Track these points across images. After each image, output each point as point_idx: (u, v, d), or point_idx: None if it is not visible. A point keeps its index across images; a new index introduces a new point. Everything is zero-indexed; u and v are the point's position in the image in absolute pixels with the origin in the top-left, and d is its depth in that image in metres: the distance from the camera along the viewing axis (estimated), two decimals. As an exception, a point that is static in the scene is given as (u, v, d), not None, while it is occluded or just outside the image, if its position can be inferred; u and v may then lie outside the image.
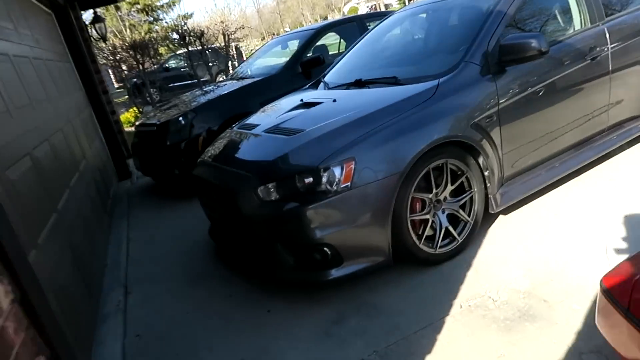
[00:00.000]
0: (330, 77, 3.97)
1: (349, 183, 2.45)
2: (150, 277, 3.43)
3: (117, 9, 22.46)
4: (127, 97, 13.80)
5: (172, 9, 25.47)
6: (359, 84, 3.38)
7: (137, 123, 5.87)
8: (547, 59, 2.96)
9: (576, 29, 3.37)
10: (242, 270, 3.16)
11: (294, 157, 2.66)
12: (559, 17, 3.43)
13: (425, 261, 2.74)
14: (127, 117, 11.34)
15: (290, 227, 2.53)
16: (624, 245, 2.59)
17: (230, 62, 13.88)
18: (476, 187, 2.84)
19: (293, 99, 3.68)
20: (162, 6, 25.06)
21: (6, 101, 2.58)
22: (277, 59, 6.18)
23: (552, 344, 2.00)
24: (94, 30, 8.35)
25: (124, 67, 11.45)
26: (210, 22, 14.57)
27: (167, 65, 16.10)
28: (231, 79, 6.17)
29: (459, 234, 2.81)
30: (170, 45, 15.46)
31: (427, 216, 2.71)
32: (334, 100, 3.20)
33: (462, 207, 2.83)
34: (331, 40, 6.46)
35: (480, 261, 2.73)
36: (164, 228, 4.34)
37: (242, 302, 2.82)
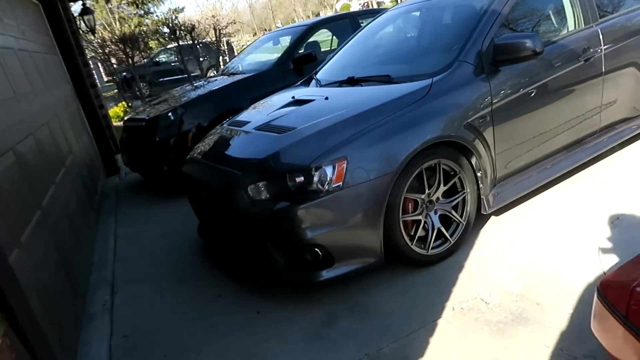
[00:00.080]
0: (322, 74, 3.92)
1: (340, 183, 2.41)
2: (137, 276, 3.37)
3: (107, 1, 22.18)
4: (116, 91, 13.64)
5: (163, 3, 25.35)
6: (351, 81, 3.34)
7: (125, 118, 5.78)
8: (541, 59, 2.94)
9: (570, 29, 3.36)
10: (231, 270, 3.11)
11: (285, 156, 2.61)
12: (552, 17, 3.41)
13: (417, 262, 2.71)
14: (116, 112, 11.20)
15: (280, 226, 2.49)
16: (616, 247, 2.58)
17: (221, 57, 13.75)
18: (469, 188, 2.82)
19: (284, 96, 3.63)
20: (153, -1, 24.81)
21: (-11, 95, 2.50)
22: (269, 55, 6.11)
23: (546, 348, 1.99)
24: (82, 23, 8.21)
25: (114, 61, 11.29)
26: (201, 16, 14.43)
27: (157, 59, 15.93)
28: (222, 75, 6.10)
29: (451, 235, 2.78)
30: (161, 39, 15.28)
31: (420, 217, 2.68)
32: (326, 98, 3.16)
33: (455, 208, 2.81)
34: (323, 37, 6.41)
35: (472, 262, 2.70)
36: (153, 225, 4.27)
37: (231, 303, 2.77)
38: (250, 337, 2.43)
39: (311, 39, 5.92)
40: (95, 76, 16.16)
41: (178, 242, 3.78)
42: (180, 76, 13.09)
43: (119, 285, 3.28)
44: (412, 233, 2.68)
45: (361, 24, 5.92)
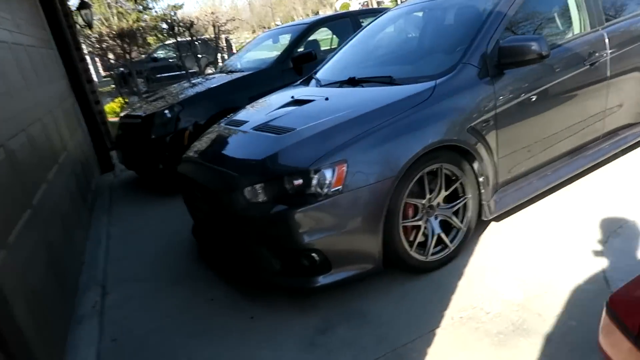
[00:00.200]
0: (322, 74, 3.85)
1: (340, 186, 2.34)
2: (129, 277, 3.30)
3: (106, -5, 22.04)
4: (113, 86, 13.53)
5: (163, -2, 25.08)
6: (352, 82, 3.27)
7: (121, 114, 5.70)
8: (547, 63, 2.88)
9: (575, 33, 3.30)
10: (225, 273, 3.04)
11: (284, 158, 2.55)
12: (558, 20, 3.35)
13: (416, 269, 2.65)
14: (113, 107, 11.09)
15: (277, 230, 2.42)
16: (619, 256, 2.52)
17: (219, 55, 13.65)
18: (470, 194, 2.76)
19: (283, 96, 3.56)
20: (153, -5, 24.66)
21: (-22, 89, 2.42)
22: (268, 53, 6.04)
23: (548, 362, 1.93)
24: (80, 17, 8.11)
25: (111, 56, 11.18)
26: (200, 12, 14.33)
27: (155, 55, 15.81)
28: (220, 72, 6.02)
29: (451, 241, 2.72)
30: (159, 35, 15.17)
31: (420, 222, 2.62)
32: (326, 99, 3.09)
33: (455, 213, 2.75)
34: (323, 35, 6.34)
35: (472, 270, 2.64)
36: (146, 224, 4.20)
37: (225, 307, 2.70)
38: (244, 344, 2.36)
39: (311, 38, 5.86)
40: (93, 71, 16.05)
41: (172, 242, 3.70)
42: (178, 73, 12.99)
43: (110, 286, 3.21)
44: (411, 239, 2.61)
45: (362, 24, 5.86)
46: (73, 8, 7.89)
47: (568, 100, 3.15)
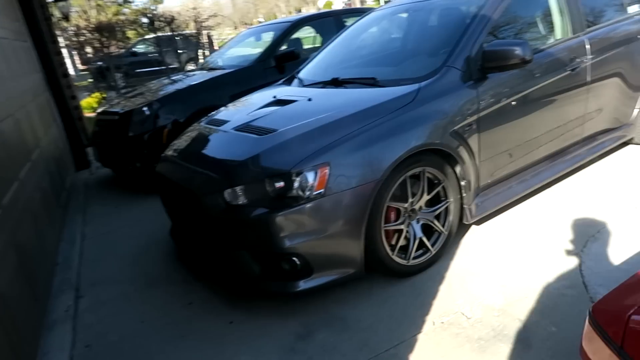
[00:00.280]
0: (305, 73, 3.80)
1: (322, 189, 2.31)
2: (104, 279, 3.20)
3: (84, -12, 21.53)
4: (91, 80, 13.24)
5: (143, -8, 24.65)
6: (335, 83, 3.23)
7: (98, 111, 5.56)
8: (530, 67, 2.89)
9: (557, 38, 3.32)
10: (204, 276, 2.98)
11: (265, 159, 2.50)
12: (541, 25, 3.36)
13: (397, 273, 2.63)
14: (90, 102, 10.86)
15: (257, 234, 2.37)
16: (597, 261, 2.54)
17: (200, 51, 13.48)
18: (452, 197, 2.75)
19: (265, 95, 3.51)
20: (133, -12, 24.17)
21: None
22: (250, 50, 5.96)
23: (528, 369, 1.92)
24: (56, 9, 7.90)
25: (89, 50, 10.93)
26: (181, 7, 14.13)
27: (134, 49, 15.54)
28: (201, 69, 5.92)
29: (432, 245, 2.71)
30: (139, 29, 14.90)
31: (402, 226, 2.60)
32: (309, 99, 3.05)
33: (437, 217, 2.74)
34: (304, 33, 6.27)
35: (453, 274, 2.63)
36: (123, 224, 4.10)
37: (203, 311, 2.64)
38: (222, 350, 2.30)
39: (294, 36, 5.80)
40: (70, 65, 15.67)
41: (149, 243, 3.62)
42: (158, 68, 12.77)
43: (84, 289, 3.12)
44: (393, 243, 2.59)
45: (345, 23, 5.82)
46: (49, 0, 7.67)
47: (549, 105, 3.17)
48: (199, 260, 3.05)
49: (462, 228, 3.00)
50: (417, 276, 2.65)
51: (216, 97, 4.75)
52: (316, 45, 6.14)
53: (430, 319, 2.30)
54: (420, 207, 2.66)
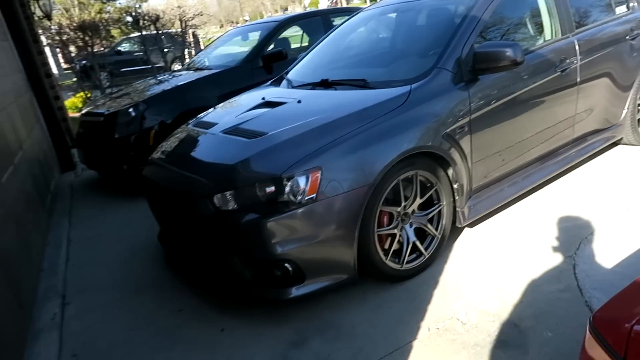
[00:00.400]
0: (294, 74, 3.76)
1: (314, 194, 2.27)
2: (92, 285, 3.13)
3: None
4: (75, 79, 13.02)
5: (127, -11, 24.30)
6: (325, 84, 3.18)
7: (82, 112, 5.45)
8: (521, 68, 2.87)
9: (547, 39, 3.32)
10: (194, 282, 2.92)
11: (255, 164, 2.45)
12: (531, 26, 3.36)
13: (391, 277, 2.60)
14: (74, 102, 10.67)
15: (248, 240, 2.32)
16: (592, 263, 2.54)
17: (186, 50, 13.33)
18: (445, 200, 2.72)
19: (254, 96, 3.46)
20: (116, -15, 23.84)
21: None
22: (237, 50, 5.89)
23: (525, 375, 1.91)
24: (37, 7, 7.74)
25: (72, 49, 10.73)
26: (166, 6, 13.96)
27: (119, 48, 15.32)
28: (187, 69, 5.84)
29: (425, 249, 2.69)
30: (124, 28, 14.70)
31: (395, 230, 2.57)
32: (299, 101, 3.00)
33: (430, 220, 2.71)
34: (291, 32, 6.21)
35: (447, 278, 2.61)
36: (110, 228, 4.02)
37: (193, 319, 2.59)
38: (213, 359, 2.26)
39: (281, 36, 5.74)
40: (53, 64, 15.41)
41: (137, 247, 3.55)
42: (143, 67, 12.61)
43: (70, 296, 3.04)
44: (386, 247, 2.56)
45: (333, 23, 5.78)
46: (31, -2, 7.51)
47: (540, 106, 3.16)
48: (188, 266, 3.00)
49: (455, 231, 2.98)
50: (411, 280, 2.62)
51: (204, 98, 4.69)
52: (304, 45, 6.09)
53: (425, 324, 2.27)
54: (413, 211, 2.64)
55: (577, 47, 3.33)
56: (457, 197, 2.77)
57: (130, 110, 4.56)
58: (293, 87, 3.49)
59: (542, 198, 3.35)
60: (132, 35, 14.26)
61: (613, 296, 1.46)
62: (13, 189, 3.28)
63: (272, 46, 5.44)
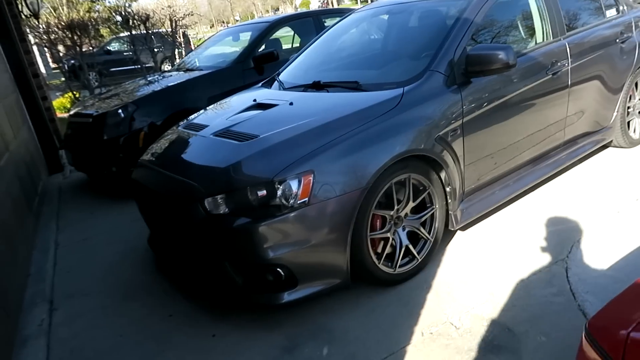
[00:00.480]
0: (285, 75, 3.73)
1: (306, 198, 2.24)
2: (80, 290, 3.08)
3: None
4: (63, 79, 12.88)
5: (116, -11, 24.06)
6: (317, 86, 3.16)
7: (70, 112, 5.37)
8: (513, 71, 2.87)
9: (539, 42, 3.32)
10: (184, 286, 2.88)
11: (247, 167, 2.42)
12: (522, 29, 3.36)
13: (384, 282, 2.58)
14: (63, 102, 10.55)
15: (240, 244, 2.29)
16: (583, 267, 2.54)
17: (177, 50, 13.22)
18: (438, 204, 2.71)
19: (245, 98, 3.42)
20: (105, -15, 23.60)
21: None
22: (228, 51, 5.85)
23: (519, 381, 1.90)
24: (24, 6, 7.63)
25: (61, 48, 10.60)
26: (156, 5, 13.83)
27: (108, 47, 15.18)
28: (178, 70, 5.79)
29: (418, 253, 2.67)
30: (113, 27, 14.55)
31: (387, 234, 2.55)
32: (291, 104, 2.97)
33: (423, 224, 2.70)
34: (282, 33, 6.18)
35: (440, 282, 2.60)
36: (99, 231, 3.96)
37: (184, 324, 2.55)
38: (205, 365, 2.23)
39: (272, 37, 5.71)
40: (41, 63, 15.21)
41: (126, 251, 3.50)
42: (133, 67, 12.49)
43: (58, 301, 2.99)
44: (379, 251, 2.55)
45: (325, 24, 5.76)
46: (18, -3, 7.38)
47: (532, 109, 3.16)
48: (178, 271, 2.96)
49: (448, 234, 2.97)
50: (404, 285, 2.61)
51: (194, 99, 4.65)
52: (295, 46, 6.07)
53: (418, 329, 2.26)
54: (406, 215, 2.62)
55: (568, 50, 3.34)
56: (449, 200, 2.76)
57: (120, 111, 4.50)
58: (285, 89, 3.46)
59: (534, 201, 3.35)
60: (122, 34, 14.12)
61: (608, 302, 1.45)
62: (-1, 191, 3.22)
63: (263, 47, 5.41)
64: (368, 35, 3.96)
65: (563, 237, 2.86)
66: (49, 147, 6.06)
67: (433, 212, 2.71)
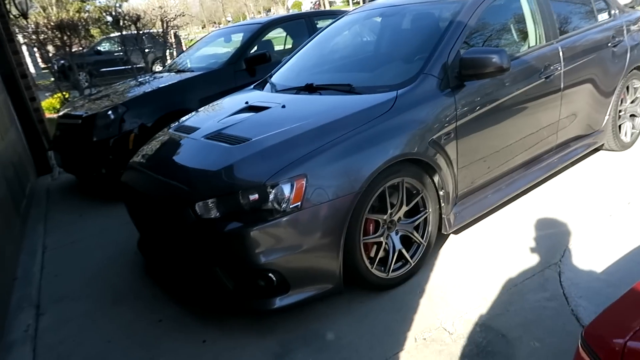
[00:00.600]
0: (278, 78, 3.70)
1: (299, 203, 2.21)
2: (68, 295, 3.02)
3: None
4: (53, 80, 12.74)
5: (107, -11, 23.91)
6: (310, 89, 3.13)
7: (59, 114, 5.30)
8: (506, 75, 2.86)
9: (531, 45, 3.32)
10: (175, 291, 2.84)
11: (238, 171, 2.38)
12: (515, 33, 3.36)
13: (377, 286, 2.56)
14: (52, 103, 10.43)
15: (231, 249, 2.26)
16: (577, 271, 2.53)
17: (168, 50, 13.14)
18: (431, 208, 2.70)
19: (237, 100, 3.38)
20: (96, -16, 23.42)
21: None
22: (220, 52, 5.81)
23: (513, 387, 1.88)
24: (13, 6, 7.54)
25: (50, 48, 10.48)
26: (147, 6, 13.74)
27: (99, 48, 15.05)
28: (169, 71, 5.73)
29: (412, 257, 2.65)
30: (103, 28, 14.43)
31: (381, 238, 2.53)
32: (283, 106, 2.95)
33: (416, 228, 2.68)
34: (274, 34, 6.14)
35: (433, 287, 2.58)
36: (87, 234, 3.90)
37: (174, 329, 2.51)
38: (195, 372, 2.19)
39: (265, 38, 5.68)
40: (31, 63, 15.05)
41: (115, 255, 3.45)
42: (124, 67, 12.39)
43: (45, 306, 2.93)
44: (372, 255, 2.52)
45: (317, 26, 5.74)
46: (6, -4, 7.30)
47: (525, 112, 3.16)
48: (168, 275, 2.92)
49: (441, 238, 2.96)
50: (397, 289, 2.59)
51: (185, 101, 4.62)
52: (287, 48, 6.04)
53: (412, 335, 2.23)
54: (399, 219, 2.60)
55: (561, 54, 3.35)
56: (443, 204, 2.75)
57: (110, 112, 4.44)
58: (277, 91, 3.43)
59: (527, 204, 3.35)
60: (112, 35, 14.01)
61: (604, 309, 1.43)
62: (-15, 194, 3.16)
63: (255, 48, 5.37)
64: (361, 37, 3.95)
65: (555, 240, 2.85)
66: (38, 148, 5.98)
67: (426, 216, 2.70)
